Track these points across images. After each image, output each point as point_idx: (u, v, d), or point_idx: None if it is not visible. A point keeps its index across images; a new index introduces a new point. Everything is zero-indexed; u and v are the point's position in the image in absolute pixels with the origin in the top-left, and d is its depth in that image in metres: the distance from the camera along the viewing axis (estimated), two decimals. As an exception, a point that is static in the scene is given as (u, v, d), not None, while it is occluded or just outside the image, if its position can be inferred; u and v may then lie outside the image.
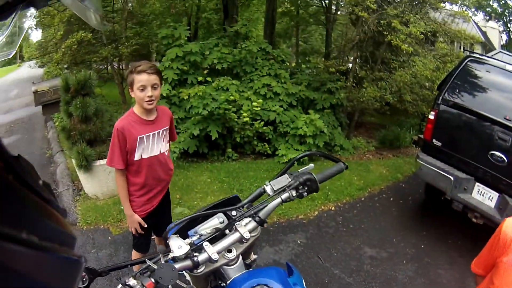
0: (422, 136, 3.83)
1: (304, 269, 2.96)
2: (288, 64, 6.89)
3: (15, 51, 0.62)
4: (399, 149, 6.52)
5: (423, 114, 6.26)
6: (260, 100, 5.20)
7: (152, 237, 2.36)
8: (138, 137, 1.91)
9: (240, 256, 1.08)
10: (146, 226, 2.07)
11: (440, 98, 3.46)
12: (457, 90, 3.43)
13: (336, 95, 5.92)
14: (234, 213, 1.10)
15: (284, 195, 1.07)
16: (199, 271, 0.97)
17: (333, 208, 4.01)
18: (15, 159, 0.28)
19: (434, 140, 3.44)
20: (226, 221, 1.09)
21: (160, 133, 2.01)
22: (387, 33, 5.52)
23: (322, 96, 5.91)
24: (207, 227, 1.05)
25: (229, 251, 1.02)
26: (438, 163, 3.36)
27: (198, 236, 1.02)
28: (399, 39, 5.26)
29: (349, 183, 4.57)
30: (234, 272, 1.05)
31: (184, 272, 1.06)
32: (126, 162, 1.95)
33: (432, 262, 3.24)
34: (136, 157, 1.94)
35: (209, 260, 0.94)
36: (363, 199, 4.34)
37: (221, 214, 1.09)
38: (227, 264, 1.04)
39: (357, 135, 6.89)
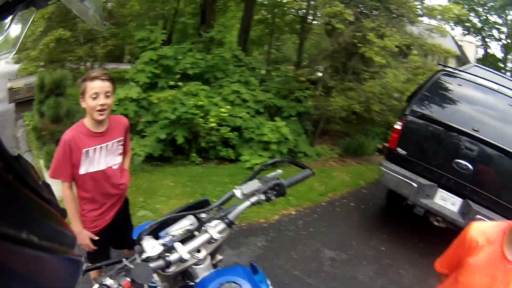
0: (387, 145, 4.00)
1: (265, 271, 3.00)
2: (259, 71, 7.02)
3: (15, 51, 0.61)
4: (363, 157, 6.81)
5: (389, 124, 6.48)
6: (229, 107, 5.27)
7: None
8: (84, 150, 1.80)
9: (209, 256, 1.12)
10: (98, 238, 1.93)
11: (409, 109, 3.63)
12: (427, 102, 3.62)
13: (303, 103, 6.13)
14: (203, 215, 1.14)
15: (254, 199, 1.13)
16: (170, 270, 1.00)
17: (293, 213, 4.12)
18: (15, 159, 0.28)
19: (398, 149, 3.59)
20: (196, 223, 1.14)
21: (109, 145, 1.90)
22: (362, 45, 5.69)
23: (290, 104, 6.09)
24: (178, 229, 1.09)
25: (199, 251, 1.05)
26: (402, 170, 3.53)
27: (169, 237, 1.05)
28: (373, 52, 5.44)
29: (310, 188, 4.71)
30: (203, 271, 1.09)
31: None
32: (72, 176, 1.84)
33: (392, 263, 3.43)
34: (81, 171, 1.83)
35: (180, 260, 0.98)
36: (324, 204, 4.50)
37: (191, 217, 1.13)
38: (196, 264, 1.08)
39: (322, 142, 7.12)
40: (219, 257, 1.31)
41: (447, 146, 3.39)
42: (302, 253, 3.38)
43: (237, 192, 1.14)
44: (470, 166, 3.19)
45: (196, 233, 1.08)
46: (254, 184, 1.16)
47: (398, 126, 3.63)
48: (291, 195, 4.39)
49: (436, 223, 3.45)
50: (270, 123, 5.51)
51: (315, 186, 4.84)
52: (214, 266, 1.21)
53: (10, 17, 0.50)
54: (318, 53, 7.58)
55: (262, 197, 1.16)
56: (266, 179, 1.19)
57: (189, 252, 1.00)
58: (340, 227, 3.98)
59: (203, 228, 1.07)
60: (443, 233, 3.31)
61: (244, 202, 1.13)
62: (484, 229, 1.31)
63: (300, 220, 3.99)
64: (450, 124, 3.35)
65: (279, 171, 1.26)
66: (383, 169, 3.64)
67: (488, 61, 26.21)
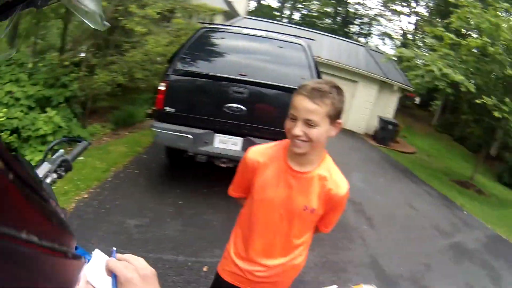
0: (155, 107, 4.07)
1: None
2: (26, 65, 5.91)
3: (15, 51, 0.61)
4: (135, 125, 6.94)
5: (155, 88, 6.60)
6: (5, 110, 4.67)
7: None
8: None
9: None
10: None
11: (171, 69, 3.72)
12: (190, 59, 3.77)
13: (69, 88, 5.75)
14: None
15: (48, 179, 1.10)
16: None
17: (86, 196, 3.94)
18: (15, 158, 0.27)
19: (166, 108, 3.69)
20: None
21: None
22: (123, 18, 5.52)
23: (57, 91, 5.63)
24: None
25: None
26: (174, 126, 3.66)
27: None
28: (134, 22, 5.39)
29: (93, 168, 4.56)
30: None
31: None
32: None
33: (195, 212, 3.79)
34: None
35: None
36: (110, 179, 4.44)
37: None
38: None
39: (92, 122, 6.71)
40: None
41: (217, 94, 3.66)
42: (109, 230, 3.37)
43: None
44: (242, 107, 3.56)
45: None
46: (44, 167, 1.11)
47: (162, 87, 3.73)
48: (79, 179, 4.16)
49: (223, 165, 3.77)
50: (43, 115, 5.07)
51: (97, 165, 4.69)
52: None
53: (10, 17, 0.49)
54: (80, 34, 6.81)
55: (54, 175, 1.15)
56: (53, 160, 1.19)
57: None
58: (133, 196, 4.07)
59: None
60: (233, 172, 4.04)
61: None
62: (262, 150, 1.39)
63: (95, 201, 3.87)
64: (217, 74, 3.62)
65: (61, 150, 1.29)
66: (155, 130, 3.73)
67: (262, 12, 29.55)
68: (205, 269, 3.08)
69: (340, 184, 1.32)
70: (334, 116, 1.19)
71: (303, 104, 1.16)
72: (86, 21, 0.60)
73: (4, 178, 0.23)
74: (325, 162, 1.33)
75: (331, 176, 1.31)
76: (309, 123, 1.16)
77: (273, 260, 1.44)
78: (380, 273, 3.45)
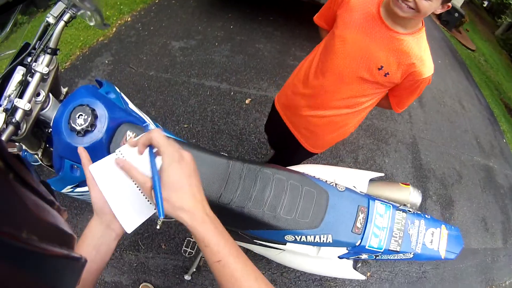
0: None
1: (122, 83, 2.89)
2: None
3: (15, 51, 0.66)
4: None
5: None
6: None
7: None
8: None
9: (51, 95, 1.10)
10: None
11: None
12: None
13: None
14: (28, 59, 1.04)
15: (66, 16, 1.05)
16: (22, 131, 1.00)
17: (129, 19, 3.64)
18: (15, 158, 0.27)
19: None
20: (25, 70, 1.05)
21: None
22: None
23: None
24: (12, 87, 1.00)
25: (38, 94, 1.03)
26: None
27: (6, 99, 0.99)
28: None
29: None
30: (52, 112, 1.08)
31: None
32: None
33: (246, 39, 3.54)
34: None
35: (25, 114, 0.96)
36: (157, 1, 4.05)
37: (19, 68, 1.04)
38: (42, 109, 1.07)
39: None
40: (63, 90, 1.30)
41: None
42: (151, 52, 3.22)
43: (49, 18, 1.05)
44: None
45: (29, 79, 1.00)
46: (61, 5, 1.06)
47: None
48: (122, 3, 3.78)
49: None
50: None
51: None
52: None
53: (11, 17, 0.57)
54: None
55: (73, 10, 1.06)
56: None
57: (30, 101, 0.97)
58: (180, 17, 3.77)
59: (32, 71, 1.01)
60: (292, 5, 3.55)
61: (57, 24, 1.05)
62: None
63: (138, 23, 3.59)
64: None
65: None
66: None
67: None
68: (247, 101, 2.98)
69: (426, 64, 1.24)
70: None
71: None
72: (86, 20, 0.65)
73: (4, 178, 0.23)
74: (419, 35, 1.22)
75: (420, 51, 1.22)
76: None
77: (327, 107, 1.45)
78: (416, 159, 3.39)
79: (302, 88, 1.51)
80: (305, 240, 1.19)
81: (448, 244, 1.24)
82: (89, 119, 1.01)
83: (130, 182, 0.65)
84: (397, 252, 1.19)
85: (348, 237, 1.18)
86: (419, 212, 1.27)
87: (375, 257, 1.25)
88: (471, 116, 4.64)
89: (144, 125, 1.18)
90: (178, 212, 0.56)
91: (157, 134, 0.59)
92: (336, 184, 1.26)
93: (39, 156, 1.24)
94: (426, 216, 1.27)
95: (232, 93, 3.00)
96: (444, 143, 3.79)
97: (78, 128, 1.00)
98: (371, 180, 1.39)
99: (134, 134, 1.10)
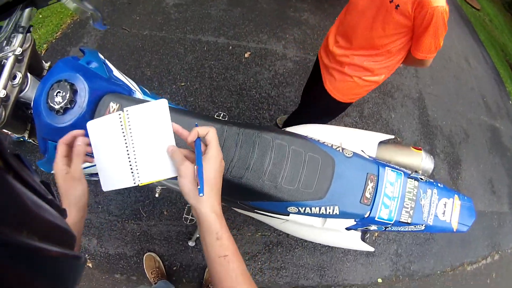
0: None
1: (115, 46, 2.76)
2: None
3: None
4: None
5: None
6: None
7: None
8: None
9: (29, 75, 1.06)
10: None
11: None
12: None
13: None
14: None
15: None
16: (1, 119, 0.97)
17: None
18: (15, 157, 0.27)
19: None
20: None
21: None
22: None
23: None
24: None
25: (14, 77, 1.00)
26: None
27: None
28: None
29: None
30: (32, 92, 1.05)
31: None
32: None
33: None
34: None
35: (2, 101, 0.94)
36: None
37: None
38: (22, 91, 1.03)
39: None
40: (45, 65, 1.24)
41: None
42: (144, 12, 3.05)
43: None
44: None
45: (4, 61, 0.97)
46: None
47: None
48: None
49: None
50: None
51: None
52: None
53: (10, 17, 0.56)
54: None
55: None
56: None
57: (5, 87, 0.95)
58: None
59: (4, 52, 0.97)
60: None
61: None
62: None
63: None
64: None
65: None
66: None
67: None
68: (247, 55, 2.84)
69: None
70: None
71: None
72: (86, 20, 0.66)
73: (4, 177, 0.23)
74: None
75: None
76: None
77: (356, 47, 1.47)
78: (423, 115, 3.28)
79: (335, 32, 1.57)
80: (310, 212, 1.10)
81: (461, 216, 1.16)
82: (67, 95, 0.94)
83: (122, 150, 0.69)
84: (408, 224, 1.11)
85: (356, 209, 1.08)
86: (431, 180, 1.18)
87: (385, 229, 1.17)
88: (477, 74, 4.49)
89: (129, 93, 1.12)
90: (203, 200, 0.60)
91: (215, 132, 0.67)
92: (342, 149, 1.15)
93: (27, 138, 1.22)
94: (439, 184, 1.18)
95: (230, 47, 2.85)
96: (450, 100, 3.67)
97: (56, 107, 0.94)
98: (381, 143, 1.28)
99: (118, 105, 1.02)
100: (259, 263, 2.35)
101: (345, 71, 1.52)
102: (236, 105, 2.57)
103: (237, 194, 1.14)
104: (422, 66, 1.44)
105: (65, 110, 0.96)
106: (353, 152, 1.14)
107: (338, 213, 1.09)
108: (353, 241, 1.23)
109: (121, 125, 0.69)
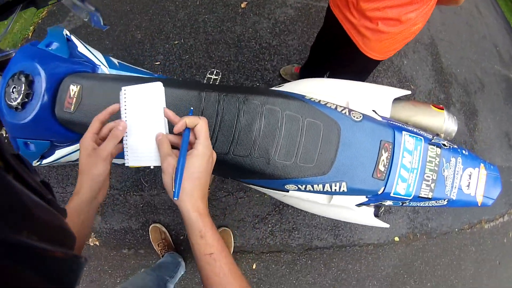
0: None
1: (102, 13, 2.46)
2: None
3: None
4: None
5: None
6: None
7: None
8: None
9: None
10: None
11: None
12: None
13: None
14: None
15: None
16: None
17: None
18: (15, 158, 0.27)
19: None
20: None
21: None
22: None
23: None
24: None
25: None
26: None
27: None
28: None
29: None
30: None
31: None
32: None
33: None
34: None
35: None
36: None
37: None
38: None
39: None
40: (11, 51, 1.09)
41: None
42: None
43: None
44: None
45: None
46: None
47: None
48: None
49: None
50: None
51: None
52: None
53: (11, 17, 0.55)
54: None
55: None
56: None
57: None
58: None
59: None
60: None
61: None
62: None
63: None
64: None
65: None
66: None
67: None
68: (243, 5, 2.62)
69: None
70: None
71: None
72: (86, 20, 0.65)
73: (4, 178, 0.23)
74: None
75: None
76: None
77: (383, 2, 1.22)
78: (436, 61, 3.05)
79: None
80: (312, 189, 0.91)
81: (486, 188, 0.98)
82: (23, 89, 0.87)
83: (154, 126, 0.66)
84: (429, 199, 0.94)
85: (368, 184, 0.89)
86: (455, 147, 0.99)
87: (402, 204, 0.99)
88: (488, 22, 4.23)
89: (93, 70, 1.01)
90: (184, 199, 0.58)
91: (205, 124, 0.63)
92: (350, 111, 0.93)
93: (5, 135, 1.19)
94: (464, 152, 0.99)
95: (225, -4, 2.61)
96: (463, 47, 3.42)
97: (14, 104, 0.87)
98: (395, 100, 1.06)
99: (79, 86, 0.90)
100: (270, 225, 2.21)
101: (379, 28, 1.29)
102: (235, 58, 2.36)
103: (224, 171, 0.97)
104: (456, 4, 1.24)
105: (24, 105, 0.88)
106: (363, 115, 0.94)
107: (345, 190, 0.90)
108: (366, 217, 1.04)
109: (125, 104, 0.68)
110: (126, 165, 0.68)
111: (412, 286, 2.55)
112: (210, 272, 0.56)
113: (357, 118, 0.92)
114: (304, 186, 0.91)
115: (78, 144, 1.01)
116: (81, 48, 1.03)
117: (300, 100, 0.91)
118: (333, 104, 0.94)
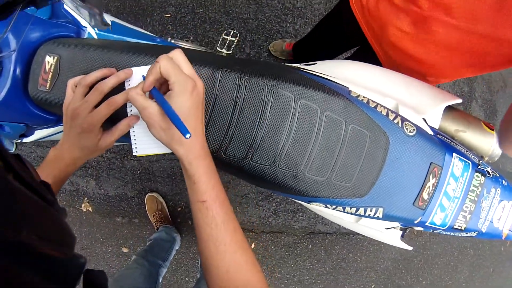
0: None
1: None
2: None
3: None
4: None
5: None
6: None
7: None
8: None
9: None
10: None
11: None
12: None
13: None
14: None
15: None
16: None
17: None
18: (14, 158, 0.27)
19: None
20: None
21: None
22: None
23: None
24: None
25: None
26: None
27: None
28: None
29: None
30: None
31: None
32: None
33: None
34: None
35: None
36: None
37: None
38: None
39: None
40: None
41: None
42: None
43: None
44: None
45: None
46: None
47: None
48: None
49: None
50: None
51: None
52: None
53: (11, 17, 0.50)
54: None
55: None
56: None
57: None
58: None
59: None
60: None
61: None
62: None
63: None
64: None
65: None
66: None
67: None
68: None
69: None
70: None
71: None
72: (86, 20, 0.60)
73: (4, 178, 0.23)
74: None
75: None
76: None
77: None
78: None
79: None
80: (342, 211, 0.76)
81: None
82: None
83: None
84: (461, 230, 0.83)
85: (407, 212, 0.76)
86: (497, 175, 0.86)
87: (432, 231, 0.87)
88: None
89: (76, 33, 0.79)
90: (175, 145, 0.53)
91: (164, 63, 0.50)
92: (403, 121, 0.74)
93: None
94: (503, 182, 0.85)
95: None
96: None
97: None
98: (446, 108, 0.87)
99: (56, 57, 0.68)
100: (274, 204, 2.06)
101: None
102: (255, 16, 2.11)
103: (237, 175, 0.79)
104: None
105: None
106: (416, 128, 0.75)
107: (381, 216, 0.76)
108: (392, 239, 0.90)
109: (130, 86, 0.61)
110: (134, 154, 0.63)
111: (408, 282, 2.48)
112: (201, 221, 0.52)
113: (410, 132, 0.74)
114: (334, 207, 0.76)
115: (60, 127, 0.83)
116: (68, 4, 0.80)
117: (345, 98, 0.71)
118: (384, 108, 0.75)
